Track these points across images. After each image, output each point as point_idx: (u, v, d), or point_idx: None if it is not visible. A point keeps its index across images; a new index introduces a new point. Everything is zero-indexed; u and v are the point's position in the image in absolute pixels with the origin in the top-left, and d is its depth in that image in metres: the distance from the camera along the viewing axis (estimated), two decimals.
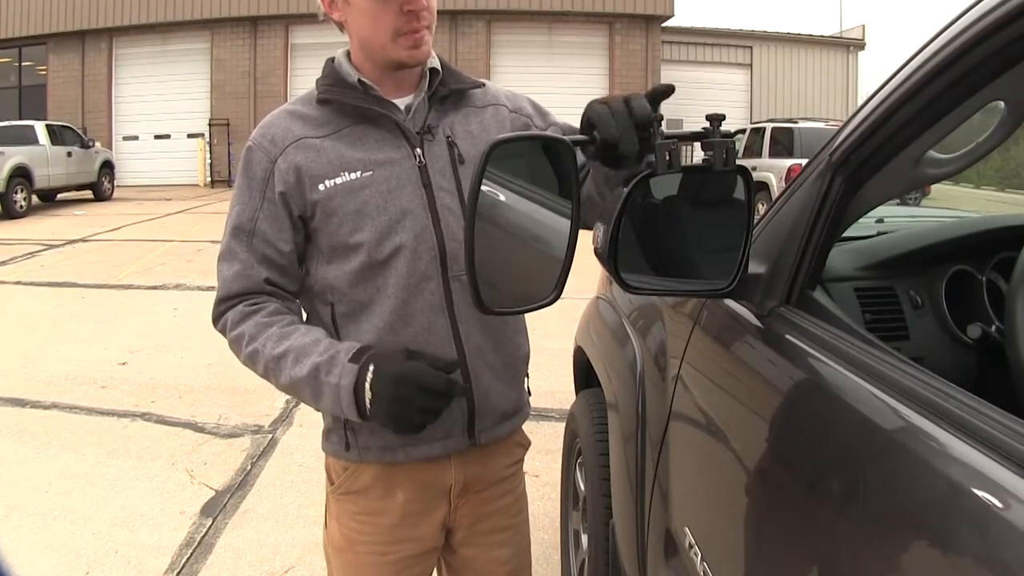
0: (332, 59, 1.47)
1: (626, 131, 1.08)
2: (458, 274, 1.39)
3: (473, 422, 1.46)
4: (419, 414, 1.26)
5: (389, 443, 1.43)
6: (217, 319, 1.45)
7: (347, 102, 1.40)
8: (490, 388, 1.46)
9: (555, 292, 1.06)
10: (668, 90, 1.11)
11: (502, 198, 1.06)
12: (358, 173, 1.36)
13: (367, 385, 1.27)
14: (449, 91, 1.45)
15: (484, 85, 1.53)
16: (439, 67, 1.44)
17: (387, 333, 1.39)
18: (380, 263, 1.36)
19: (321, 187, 1.36)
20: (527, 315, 1.56)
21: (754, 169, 14.23)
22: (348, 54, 1.45)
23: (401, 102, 1.43)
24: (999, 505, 0.73)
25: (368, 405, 1.27)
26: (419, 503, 1.49)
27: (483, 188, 1.01)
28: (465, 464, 1.50)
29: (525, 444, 1.65)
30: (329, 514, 1.55)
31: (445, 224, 1.39)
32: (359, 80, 1.40)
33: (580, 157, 1.49)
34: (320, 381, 1.31)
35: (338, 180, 1.36)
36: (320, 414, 1.53)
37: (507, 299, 1.09)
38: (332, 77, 1.43)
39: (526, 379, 1.59)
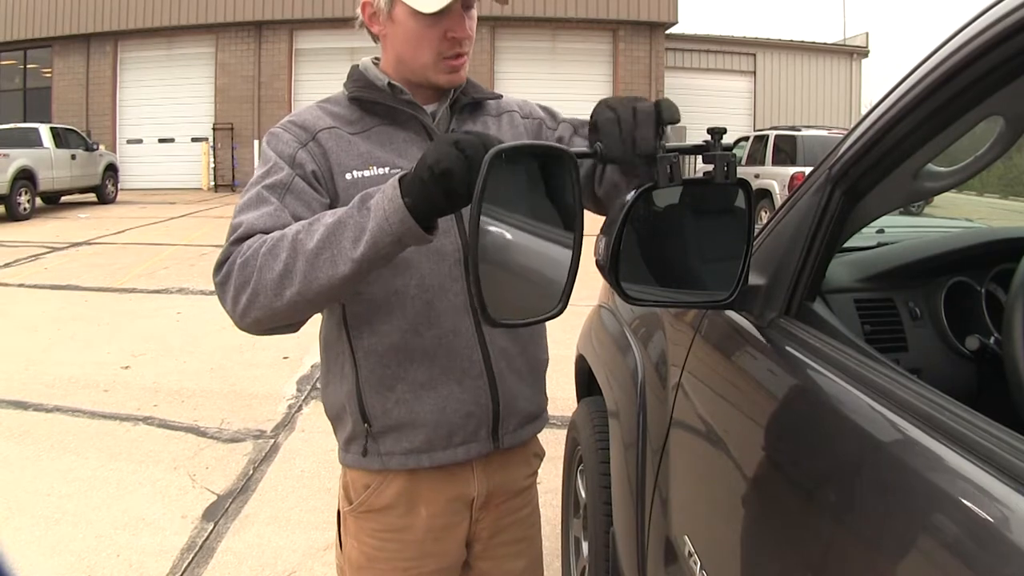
0: (356, 65, 1.49)
1: (627, 153, 1.09)
2: None
3: (498, 425, 1.47)
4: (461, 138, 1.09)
5: (414, 447, 1.42)
6: (226, 260, 1.25)
7: (378, 101, 1.42)
8: (515, 391, 1.47)
9: (561, 303, 1.05)
10: (675, 118, 1.11)
11: (505, 208, 1.07)
12: (386, 169, 1.37)
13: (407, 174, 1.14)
14: (470, 100, 1.49)
15: (501, 97, 1.57)
16: None
17: (411, 334, 1.39)
18: (402, 263, 1.35)
19: (348, 176, 1.36)
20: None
21: (757, 177, 14.22)
22: (374, 61, 1.47)
23: (427, 108, 1.45)
24: (995, 519, 0.74)
25: (412, 175, 1.11)
26: (443, 517, 1.48)
27: (485, 197, 1.02)
28: (487, 474, 1.51)
29: (541, 454, 1.66)
30: (345, 532, 1.54)
31: (469, 226, 1.39)
32: (389, 83, 1.42)
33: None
34: (364, 206, 1.15)
35: (366, 173, 1.36)
36: (328, 422, 1.53)
37: (513, 311, 1.08)
38: (361, 80, 1.45)
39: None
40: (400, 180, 1.11)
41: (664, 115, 1.10)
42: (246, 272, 1.21)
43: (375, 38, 1.44)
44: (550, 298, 1.05)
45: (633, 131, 1.09)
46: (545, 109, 1.60)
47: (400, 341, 1.39)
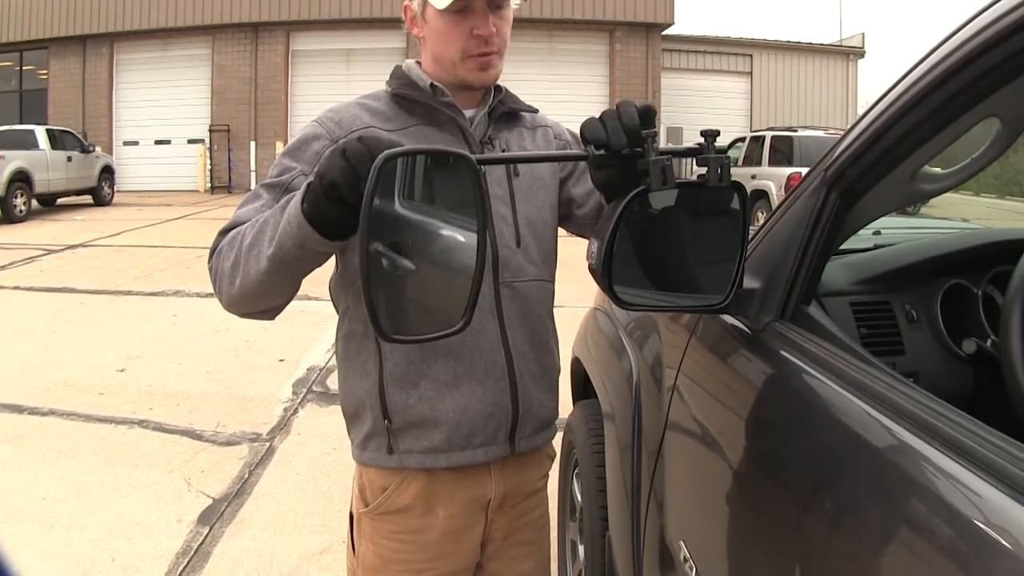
0: (399, 66, 1.51)
1: (613, 130, 1.10)
2: (508, 280, 1.44)
3: (515, 429, 1.47)
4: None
5: (433, 445, 1.42)
6: (213, 249, 1.34)
7: (419, 100, 1.44)
8: (532, 395, 1.49)
9: (464, 319, 1.00)
10: (649, 110, 1.13)
11: (403, 216, 1.03)
12: None
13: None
14: (508, 109, 1.52)
15: (537, 111, 1.61)
16: (500, 87, 1.51)
17: None
18: None
19: None
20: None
21: (754, 177, 14.22)
22: (417, 63, 1.50)
23: (466, 113, 1.47)
24: (990, 525, 0.73)
25: (311, 182, 1.12)
26: (460, 519, 1.49)
27: (388, 206, 0.99)
28: (504, 475, 1.52)
29: (552, 455, 1.67)
30: (360, 535, 1.53)
31: (498, 231, 1.42)
32: (431, 84, 1.44)
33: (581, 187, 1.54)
34: (284, 207, 1.20)
35: None
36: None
37: (411, 326, 1.06)
38: (404, 78, 1.48)
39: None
40: (308, 184, 1.14)
41: (641, 108, 1.12)
42: (218, 261, 1.32)
43: (419, 40, 1.48)
44: (453, 312, 1.01)
45: (616, 110, 1.12)
46: (573, 135, 1.62)
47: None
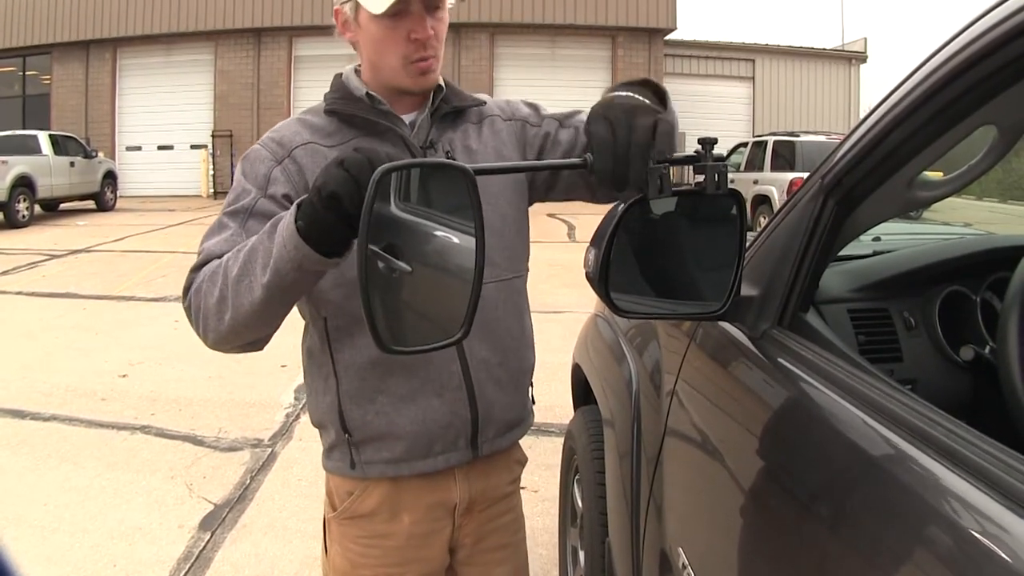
0: (340, 74, 1.48)
1: (619, 166, 1.04)
2: None
3: (476, 434, 1.47)
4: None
5: (393, 456, 1.43)
6: (188, 287, 1.29)
7: (355, 114, 1.41)
8: (493, 400, 1.47)
9: (464, 328, 0.99)
10: (664, 156, 1.05)
11: (400, 218, 1.03)
12: None
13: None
14: (451, 108, 1.47)
15: (485, 103, 1.54)
16: (443, 84, 1.46)
17: None
18: None
19: None
20: (533, 326, 1.58)
21: (756, 182, 14.21)
22: (356, 70, 1.47)
23: (406, 118, 1.44)
24: (985, 535, 0.73)
25: (306, 198, 1.10)
26: (425, 524, 1.49)
27: (384, 210, 0.99)
28: (469, 480, 1.51)
29: (523, 461, 1.67)
30: (330, 538, 1.54)
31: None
32: (367, 93, 1.41)
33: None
34: (273, 231, 1.16)
35: None
36: (319, 430, 1.53)
37: (412, 336, 1.05)
38: (340, 91, 1.45)
39: (530, 388, 1.60)
40: (299, 203, 1.11)
41: (656, 146, 1.05)
42: (198, 298, 1.26)
43: (353, 46, 1.44)
44: (452, 321, 1.00)
45: (627, 155, 1.04)
46: (530, 106, 1.57)
47: (380, 355, 1.34)
